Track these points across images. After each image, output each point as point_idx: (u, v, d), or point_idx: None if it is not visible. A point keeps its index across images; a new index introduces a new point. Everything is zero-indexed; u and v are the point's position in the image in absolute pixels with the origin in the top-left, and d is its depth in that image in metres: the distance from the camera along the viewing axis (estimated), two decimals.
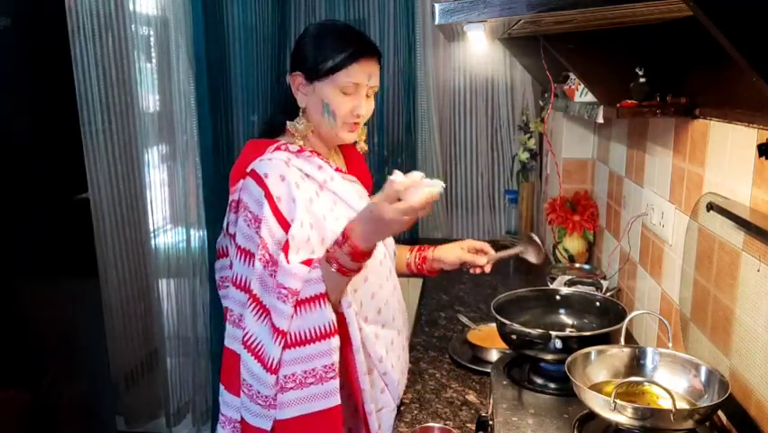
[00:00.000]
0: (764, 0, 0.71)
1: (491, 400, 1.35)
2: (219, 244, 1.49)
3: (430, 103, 2.91)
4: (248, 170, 1.33)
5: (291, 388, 1.26)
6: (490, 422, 1.29)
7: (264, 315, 1.28)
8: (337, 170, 1.43)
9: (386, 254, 1.50)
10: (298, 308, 1.25)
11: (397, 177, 1.19)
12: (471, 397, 1.52)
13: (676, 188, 1.49)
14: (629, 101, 1.40)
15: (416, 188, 1.17)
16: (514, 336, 1.39)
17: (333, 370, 1.26)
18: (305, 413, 1.26)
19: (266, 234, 1.27)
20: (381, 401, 1.42)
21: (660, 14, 1.15)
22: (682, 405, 1.09)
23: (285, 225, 1.29)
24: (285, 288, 1.25)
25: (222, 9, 2.75)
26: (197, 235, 2.94)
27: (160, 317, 3.00)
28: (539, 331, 1.34)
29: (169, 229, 3.06)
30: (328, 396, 1.26)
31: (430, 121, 2.93)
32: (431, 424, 1.36)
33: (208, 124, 2.72)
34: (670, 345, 1.28)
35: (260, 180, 1.29)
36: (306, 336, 1.25)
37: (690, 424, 1.03)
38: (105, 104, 2.75)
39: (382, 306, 1.43)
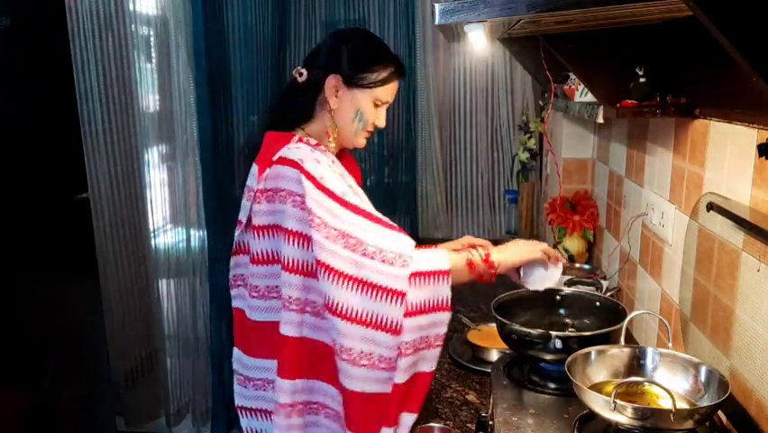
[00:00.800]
0: (764, 0, 0.71)
1: (491, 400, 1.35)
2: (238, 239, 1.45)
3: (430, 103, 2.91)
4: (275, 158, 1.33)
5: (409, 354, 1.28)
6: (490, 422, 1.29)
7: (358, 284, 1.26)
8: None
9: None
10: (426, 278, 1.29)
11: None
12: (471, 397, 1.52)
13: (676, 188, 1.49)
14: (629, 101, 1.40)
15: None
16: (514, 336, 1.39)
17: (442, 339, 1.32)
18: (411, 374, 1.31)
19: (322, 212, 1.27)
20: None
21: (660, 14, 1.15)
22: (682, 405, 1.09)
23: (337, 199, 1.30)
24: (392, 252, 1.27)
25: (222, 9, 2.75)
26: (197, 235, 2.94)
27: (160, 317, 3.00)
28: (539, 331, 1.34)
29: (169, 229, 3.06)
30: (432, 361, 1.32)
31: (430, 121, 2.93)
32: (431, 424, 1.36)
33: (208, 124, 2.72)
34: (670, 345, 1.28)
35: (296, 165, 1.29)
36: (428, 306, 1.29)
37: (690, 424, 1.03)
38: (105, 104, 2.75)
39: None
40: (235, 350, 1.45)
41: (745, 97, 1.11)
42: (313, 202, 1.27)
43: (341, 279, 1.26)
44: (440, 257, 1.32)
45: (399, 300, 1.25)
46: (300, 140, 1.37)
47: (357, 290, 1.26)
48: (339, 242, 1.26)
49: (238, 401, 1.46)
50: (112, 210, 2.84)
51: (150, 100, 2.91)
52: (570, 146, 2.44)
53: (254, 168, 1.38)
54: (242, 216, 1.40)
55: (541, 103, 2.81)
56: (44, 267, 2.37)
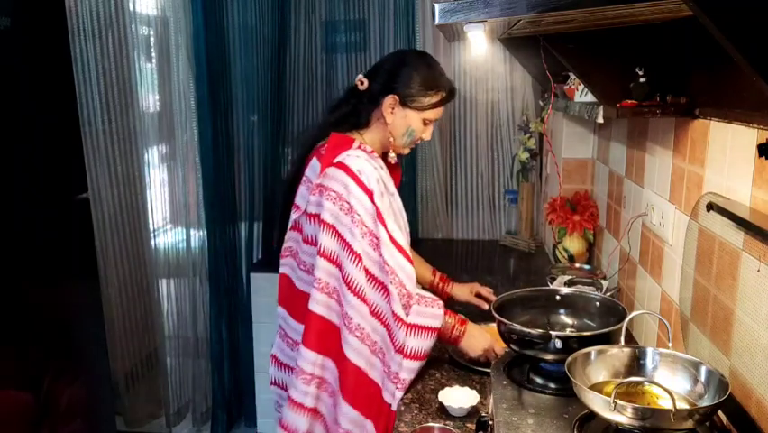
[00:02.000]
0: (764, 0, 0.71)
1: (491, 400, 1.35)
2: (296, 219, 1.62)
3: None
4: (335, 161, 1.52)
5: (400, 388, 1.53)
6: (490, 422, 1.29)
7: (376, 283, 1.51)
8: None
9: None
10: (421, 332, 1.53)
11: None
12: None
13: (676, 188, 1.49)
14: (629, 101, 1.40)
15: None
16: (514, 336, 1.39)
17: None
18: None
19: (363, 212, 1.48)
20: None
21: (660, 14, 1.15)
22: (682, 405, 1.09)
23: (379, 216, 1.49)
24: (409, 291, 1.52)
25: (222, 9, 2.75)
26: (197, 235, 2.94)
27: (159, 317, 3.00)
28: (539, 331, 1.34)
29: (169, 229, 3.06)
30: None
31: None
32: (431, 424, 1.36)
33: (208, 124, 2.72)
34: (670, 345, 1.28)
35: (354, 176, 1.49)
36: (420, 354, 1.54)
37: (690, 424, 1.03)
38: (105, 104, 2.75)
39: None
40: (280, 309, 1.68)
41: (745, 97, 1.11)
42: (356, 201, 1.47)
43: (364, 271, 1.49)
44: (438, 316, 1.55)
45: (401, 325, 1.49)
46: (359, 147, 1.56)
47: (375, 287, 1.50)
48: (370, 241, 1.48)
49: (273, 351, 1.71)
50: (112, 210, 2.83)
51: (150, 100, 2.90)
52: (570, 146, 2.44)
53: (317, 164, 1.57)
54: (301, 203, 1.60)
55: (541, 103, 2.81)
56: (44, 267, 2.37)
